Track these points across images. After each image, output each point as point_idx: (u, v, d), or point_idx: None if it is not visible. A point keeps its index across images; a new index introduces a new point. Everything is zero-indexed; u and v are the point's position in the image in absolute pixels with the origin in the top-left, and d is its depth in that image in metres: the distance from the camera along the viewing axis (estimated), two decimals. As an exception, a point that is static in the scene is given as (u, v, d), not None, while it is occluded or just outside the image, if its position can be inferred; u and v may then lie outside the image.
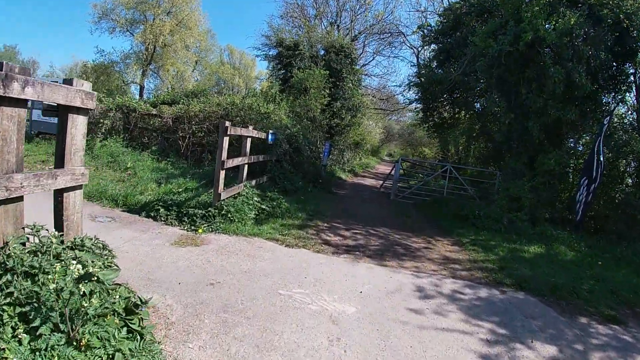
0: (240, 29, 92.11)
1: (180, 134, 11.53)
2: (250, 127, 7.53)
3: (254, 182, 8.09)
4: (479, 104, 12.61)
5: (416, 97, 15.08)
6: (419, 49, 21.13)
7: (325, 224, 7.56)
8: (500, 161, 14.05)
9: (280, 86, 17.70)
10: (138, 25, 32.10)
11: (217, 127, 9.99)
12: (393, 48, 27.19)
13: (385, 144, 51.37)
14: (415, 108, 15.86)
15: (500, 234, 8.97)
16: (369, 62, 29.25)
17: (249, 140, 7.45)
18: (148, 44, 31.43)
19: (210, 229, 6.01)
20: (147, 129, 12.21)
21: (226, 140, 6.18)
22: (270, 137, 8.89)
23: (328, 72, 16.38)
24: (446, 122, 14.81)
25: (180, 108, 11.89)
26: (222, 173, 6.27)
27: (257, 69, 46.67)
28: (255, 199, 7.25)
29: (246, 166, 7.54)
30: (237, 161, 6.87)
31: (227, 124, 6.12)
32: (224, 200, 6.42)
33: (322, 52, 19.25)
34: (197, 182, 9.01)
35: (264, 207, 7.20)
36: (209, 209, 6.26)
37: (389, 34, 25.19)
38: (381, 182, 18.86)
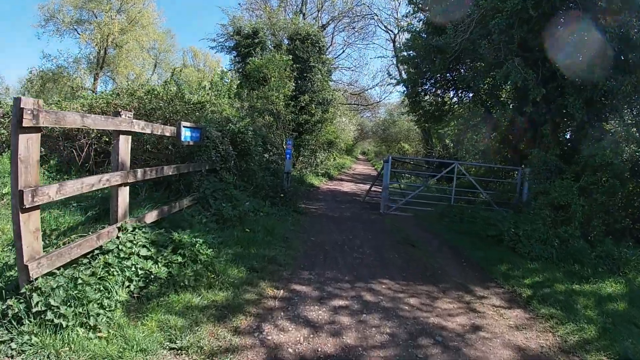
0: (203, 29, 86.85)
1: (83, 140, 7.67)
2: (125, 115, 3.72)
3: (154, 215, 4.28)
4: (488, 80, 9.15)
5: (404, 77, 11.48)
6: (398, 29, 17.79)
7: (281, 292, 3.78)
8: (508, 155, 10.69)
9: (239, 80, 14.33)
10: (88, 26, 27.80)
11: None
12: (365, 35, 23.94)
13: (359, 142, 47.68)
14: (404, 91, 12.18)
15: (554, 264, 5.68)
16: (339, 54, 25.96)
17: (123, 141, 3.63)
18: (98, 45, 27.04)
19: (10, 353, 2.27)
20: (49, 136, 8.33)
21: (26, 141, 2.43)
22: (187, 133, 5.10)
23: (291, 56, 12.73)
24: (439, 108, 11.29)
25: (83, 103, 8.07)
26: (28, 218, 2.52)
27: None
28: (143, 253, 3.50)
29: (124, 190, 3.73)
30: (79, 186, 3.03)
31: (27, 103, 2.39)
32: (44, 278, 2.64)
33: (286, 42, 15.87)
34: (82, 215, 5.22)
35: (155, 269, 3.44)
36: (10, 301, 2.49)
37: (361, 17, 21.76)
38: (362, 186, 15.38)
